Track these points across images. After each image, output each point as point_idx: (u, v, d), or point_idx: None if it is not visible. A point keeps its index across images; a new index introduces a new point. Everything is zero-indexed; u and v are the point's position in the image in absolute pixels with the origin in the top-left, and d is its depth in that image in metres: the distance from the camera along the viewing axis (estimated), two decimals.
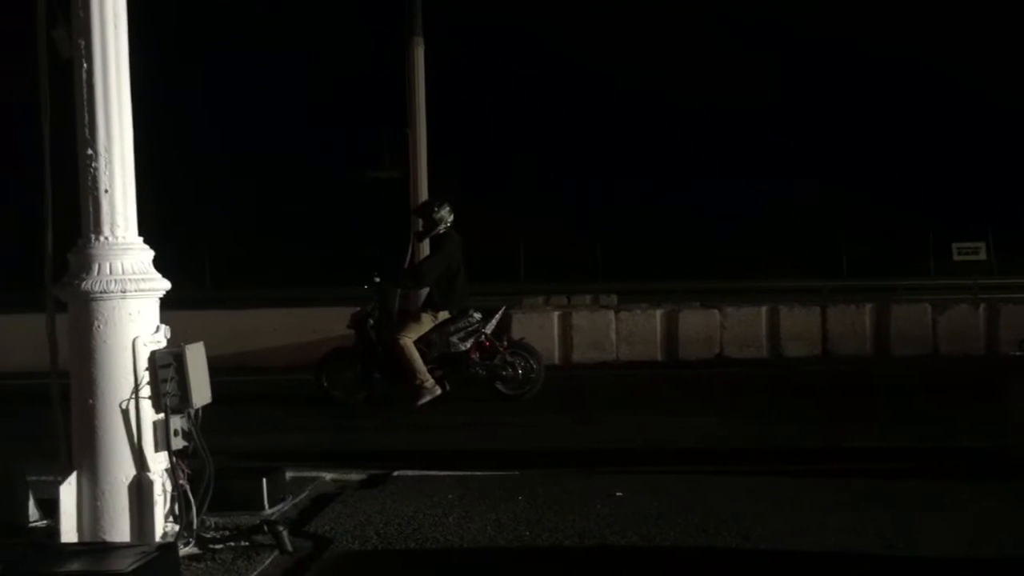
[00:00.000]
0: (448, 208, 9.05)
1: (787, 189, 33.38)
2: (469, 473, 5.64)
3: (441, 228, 9.02)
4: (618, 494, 5.09)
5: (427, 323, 8.91)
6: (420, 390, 8.77)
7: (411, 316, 9.13)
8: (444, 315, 8.93)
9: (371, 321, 9.05)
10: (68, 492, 4.06)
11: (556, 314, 12.58)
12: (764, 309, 12.54)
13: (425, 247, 9.91)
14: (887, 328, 12.35)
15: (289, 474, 5.40)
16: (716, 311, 12.55)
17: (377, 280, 9.09)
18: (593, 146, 38.20)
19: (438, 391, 8.82)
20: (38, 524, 4.55)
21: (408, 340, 8.75)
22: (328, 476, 5.68)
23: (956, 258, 18.98)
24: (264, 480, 4.93)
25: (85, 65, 4.08)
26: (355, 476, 5.70)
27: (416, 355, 8.75)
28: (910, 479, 5.39)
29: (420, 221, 9.37)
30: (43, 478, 4.71)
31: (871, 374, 11.13)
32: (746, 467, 5.90)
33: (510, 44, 38.68)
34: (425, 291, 9.43)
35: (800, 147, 37.78)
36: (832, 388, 10.08)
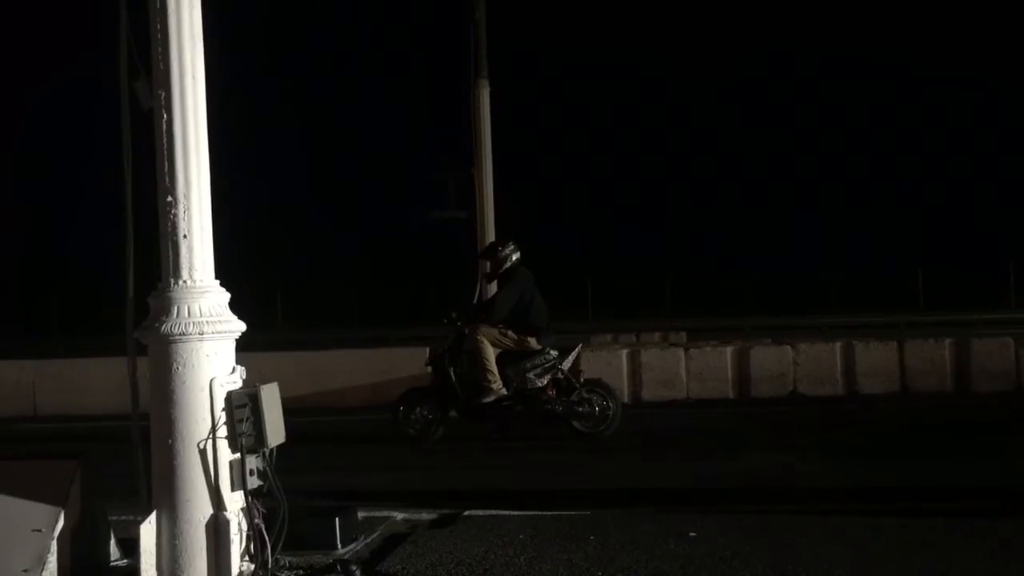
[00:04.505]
0: (513, 246, 9.28)
1: (860, 220, 32.83)
2: (540, 513, 5.61)
3: (508, 265, 9.16)
4: (692, 534, 5.01)
5: (506, 337, 8.99)
6: (485, 390, 8.89)
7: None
8: (532, 340, 9.00)
9: (448, 358, 9.13)
10: (148, 531, 4.14)
11: (625, 352, 12.50)
12: (838, 345, 12.30)
13: (492, 287, 9.98)
14: (968, 363, 12.01)
15: (361, 514, 5.42)
16: (788, 347, 12.35)
17: (454, 315, 9.19)
18: (659, 183, 38.13)
19: (504, 391, 8.92)
20: (119, 563, 4.64)
21: (484, 336, 8.90)
22: (399, 516, 5.70)
23: None
24: (336, 520, 4.97)
25: (165, 116, 4.22)
26: (426, 516, 5.71)
27: (489, 353, 8.91)
28: (994, 519, 5.21)
29: (488, 263, 9.49)
30: (124, 518, 4.82)
31: (952, 411, 10.80)
32: (823, 506, 5.75)
33: (575, 81, 38.96)
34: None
35: (873, 177, 37.21)
36: (911, 425, 9.81)
